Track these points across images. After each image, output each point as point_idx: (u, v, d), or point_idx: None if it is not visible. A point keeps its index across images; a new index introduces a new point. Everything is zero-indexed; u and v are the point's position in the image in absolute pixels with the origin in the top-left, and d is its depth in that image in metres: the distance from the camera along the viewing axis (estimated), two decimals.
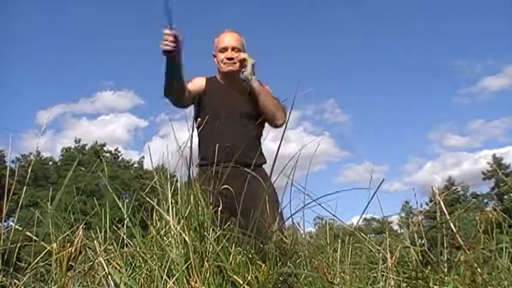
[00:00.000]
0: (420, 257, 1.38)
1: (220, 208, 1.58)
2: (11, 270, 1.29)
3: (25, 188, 1.46)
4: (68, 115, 41.99)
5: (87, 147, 30.78)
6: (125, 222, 1.55)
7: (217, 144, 2.04)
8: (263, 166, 2.37)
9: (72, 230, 1.46)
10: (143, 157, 30.85)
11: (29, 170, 1.56)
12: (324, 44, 50.95)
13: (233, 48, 2.44)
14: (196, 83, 2.46)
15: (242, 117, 2.37)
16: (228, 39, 2.47)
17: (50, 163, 30.08)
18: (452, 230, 1.36)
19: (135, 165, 31.37)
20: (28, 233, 1.38)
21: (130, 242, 1.51)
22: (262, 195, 1.62)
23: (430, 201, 1.63)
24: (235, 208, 1.73)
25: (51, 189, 1.45)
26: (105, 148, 31.22)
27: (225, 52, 2.44)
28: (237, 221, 1.55)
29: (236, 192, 1.81)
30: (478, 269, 1.27)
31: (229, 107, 2.36)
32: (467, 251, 1.32)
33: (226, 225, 1.52)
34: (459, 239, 1.33)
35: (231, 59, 2.42)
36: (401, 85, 48.09)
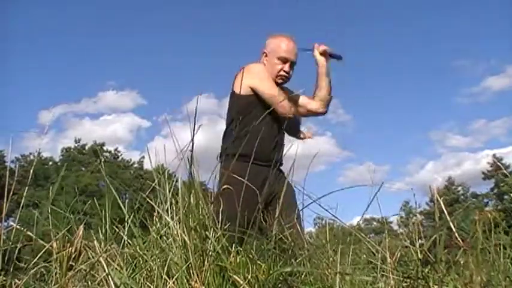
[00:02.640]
0: (421, 257, 1.38)
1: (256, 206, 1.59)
2: (11, 269, 1.29)
3: (26, 188, 1.46)
4: (69, 115, 42.05)
5: (87, 147, 30.78)
6: (126, 222, 1.55)
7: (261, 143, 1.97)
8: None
9: (69, 228, 1.46)
10: (143, 157, 30.87)
11: (31, 171, 1.56)
12: (326, 43, 50.81)
13: (292, 63, 2.36)
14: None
15: (283, 121, 2.34)
16: (291, 50, 2.36)
17: (50, 163, 30.07)
18: (452, 230, 1.36)
19: (135, 165, 31.38)
20: (29, 233, 1.38)
21: (131, 242, 1.51)
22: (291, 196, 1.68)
23: (431, 201, 1.63)
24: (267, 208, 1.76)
25: (50, 189, 1.45)
26: (104, 148, 31.24)
27: (284, 64, 2.34)
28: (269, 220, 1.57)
29: (277, 193, 1.90)
30: (478, 269, 1.27)
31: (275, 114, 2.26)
32: (466, 251, 1.32)
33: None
34: (458, 238, 1.33)
35: (288, 72, 2.35)
36: (403, 85, 48.14)
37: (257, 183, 1.70)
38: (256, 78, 2.28)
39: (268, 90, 2.27)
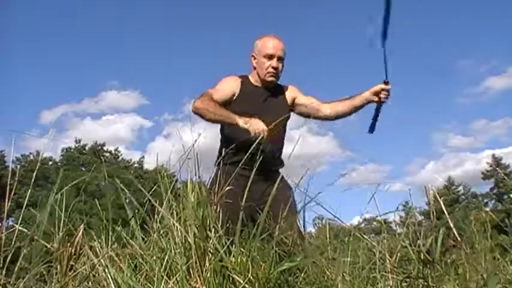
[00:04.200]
0: (421, 257, 1.38)
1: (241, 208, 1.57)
2: (12, 269, 1.30)
3: (30, 189, 1.46)
4: (70, 115, 42.01)
5: (87, 147, 30.76)
6: (124, 221, 1.56)
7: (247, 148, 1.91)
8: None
9: (69, 228, 1.47)
10: (143, 157, 30.87)
11: (34, 174, 1.56)
12: (327, 43, 50.98)
13: (279, 58, 2.38)
14: (226, 90, 2.37)
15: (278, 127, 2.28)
16: (275, 46, 2.39)
17: (50, 163, 30.05)
18: (451, 230, 1.36)
19: (135, 165, 31.37)
20: (30, 233, 1.38)
21: (132, 242, 1.51)
22: (285, 199, 1.67)
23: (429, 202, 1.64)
24: (257, 211, 1.74)
25: (53, 189, 1.45)
26: (104, 148, 31.21)
27: (270, 60, 2.37)
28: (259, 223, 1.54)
29: (262, 196, 1.88)
30: (476, 269, 1.28)
31: (266, 115, 2.23)
32: (465, 251, 1.32)
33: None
34: (458, 238, 1.33)
35: (276, 68, 2.37)
36: (404, 85, 48.01)
37: (239, 186, 1.68)
38: None
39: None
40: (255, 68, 2.44)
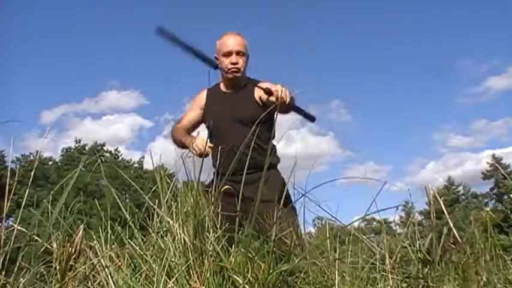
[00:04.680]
0: (420, 256, 1.38)
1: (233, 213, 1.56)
2: (12, 270, 1.30)
3: (28, 189, 1.46)
4: (71, 115, 42.05)
5: (87, 147, 30.78)
6: (125, 221, 1.56)
7: (221, 155, 1.98)
8: (277, 166, 2.34)
9: (69, 228, 1.47)
10: (143, 157, 30.91)
11: (32, 173, 1.56)
12: (327, 43, 50.94)
13: (237, 53, 2.36)
14: (193, 110, 2.48)
15: (246, 124, 2.22)
16: (232, 42, 2.37)
17: (50, 163, 30.07)
18: (451, 230, 1.36)
19: (135, 165, 31.38)
20: (30, 233, 1.38)
21: (131, 242, 1.51)
22: (273, 198, 1.65)
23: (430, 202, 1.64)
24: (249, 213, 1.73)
25: (52, 190, 1.46)
26: (104, 148, 31.24)
27: (229, 57, 2.35)
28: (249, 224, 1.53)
29: (248, 197, 1.88)
30: (476, 269, 1.28)
31: (232, 115, 2.31)
32: (464, 251, 1.32)
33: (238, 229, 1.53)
34: (458, 238, 1.33)
35: (235, 63, 2.35)
36: (405, 85, 48.09)
37: (226, 196, 1.68)
38: None
39: None
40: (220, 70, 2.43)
